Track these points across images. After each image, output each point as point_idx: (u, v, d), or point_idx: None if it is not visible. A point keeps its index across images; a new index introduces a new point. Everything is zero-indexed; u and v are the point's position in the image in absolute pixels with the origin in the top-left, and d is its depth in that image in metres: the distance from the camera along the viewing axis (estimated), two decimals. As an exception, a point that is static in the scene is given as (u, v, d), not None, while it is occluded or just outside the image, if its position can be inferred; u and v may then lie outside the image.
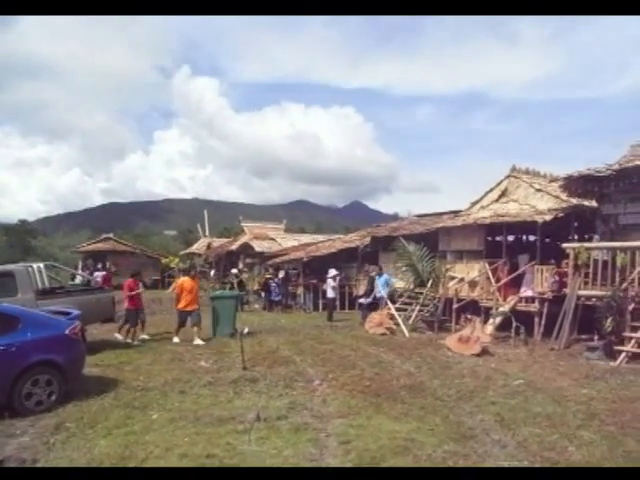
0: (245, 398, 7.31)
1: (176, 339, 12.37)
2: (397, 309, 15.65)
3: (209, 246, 38.37)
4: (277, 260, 25.07)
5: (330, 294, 18.10)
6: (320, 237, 32.24)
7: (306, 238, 32.91)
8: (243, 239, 31.73)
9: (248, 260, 30.05)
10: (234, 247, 31.79)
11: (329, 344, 12.03)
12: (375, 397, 7.31)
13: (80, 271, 25.08)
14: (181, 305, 12.65)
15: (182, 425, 6.04)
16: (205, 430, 5.84)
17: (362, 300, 16.77)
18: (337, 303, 19.40)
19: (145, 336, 12.82)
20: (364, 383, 8.12)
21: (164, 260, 35.76)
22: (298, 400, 7.16)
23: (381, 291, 15.68)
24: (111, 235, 38.54)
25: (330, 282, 18.10)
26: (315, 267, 21.91)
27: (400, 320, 14.40)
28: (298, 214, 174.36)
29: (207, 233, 43.37)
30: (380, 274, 16.00)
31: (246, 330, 11.34)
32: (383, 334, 13.51)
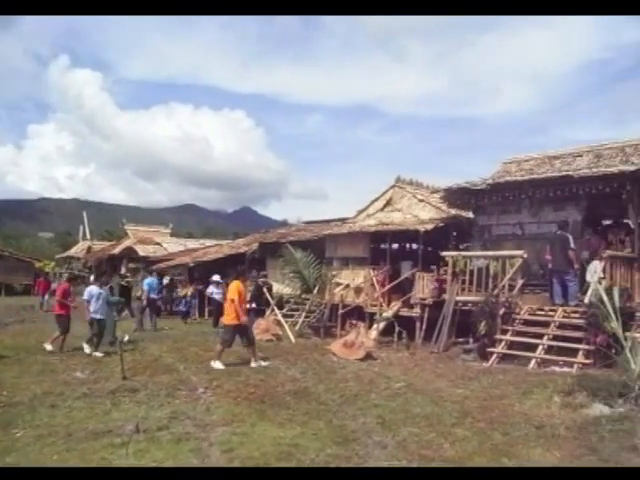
0: (124, 409, 6.93)
1: (219, 364, 9.82)
2: (284, 315, 15.70)
3: (89, 250, 36.42)
4: (162, 265, 24.27)
5: (216, 300, 17.83)
6: (208, 242, 31.69)
7: (193, 243, 32.19)
8: (126, 243, 30.47)
9: (131, 265, 28.86)
10: (116, 251, 30.44)
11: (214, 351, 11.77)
12: (260, 404, 7.21)
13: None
14: (235, 318, 10.11)
15: (51, 442, 5.57)
16: (77, 446, 5.43)
17: (248, 306, 16.63)
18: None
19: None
20: (249, 390, 7.99)
21: (38, 264, 33.41)
22: (180, 409, 6.90)
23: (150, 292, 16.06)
24: (-25, 236, 35.43)
25: (213, 288, 17.83)
26: (202, 273, 21.46)
27: (287, 326, 14.44)
28: (186, 218, 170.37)
29: (88, 236, 41.14)
30: (145, 276, 15.98)
31: (126, 338, 10.82)
32: (269, 340, 13.45)
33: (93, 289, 11.86)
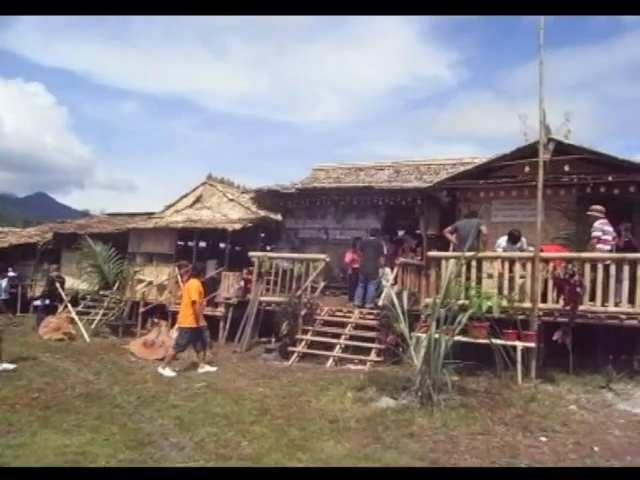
0: None
1: (169, 372, 9.18)
2: (79, 313, 14.58)
3: None
4: None
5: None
6: (-9, 230, 28.17)
7: (-28, 230, 28.38)
8: None
9: None
10: None
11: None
12: (44, 410, 6.58)
13: None
14: (194, 320, 9.53)
15: None
16: None
17: (38, 302, 15.15)
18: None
19: None
20: (31, 395, 7.26)
21: None
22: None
23: None
24: None
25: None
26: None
27: (81, 324, 13.40)
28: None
29: None
30: None
31: None
32: (60, 339, 12.36)
33: None
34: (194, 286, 9.80)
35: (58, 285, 14.81)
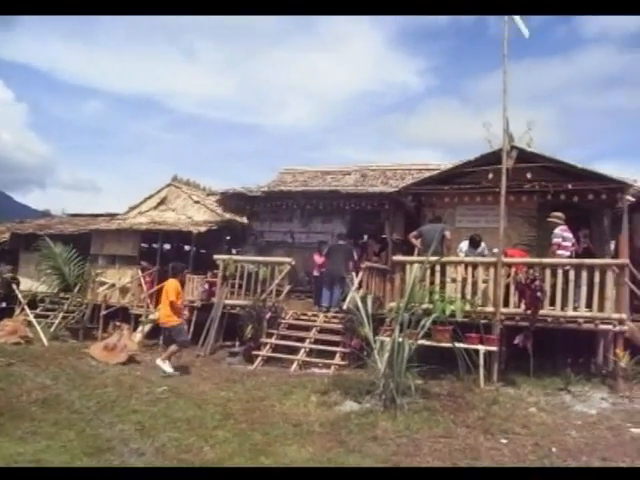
0: None
1: (171, 370, 9.33)
2: (38, 315, 14.21)
3: None
4: None
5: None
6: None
7: None
8: None
9: None
10: None
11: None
12: (-4, 417, 6.37)
13: None
14: (179, 317, 9.81)
15: None
16: None
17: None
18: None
19: None
20: (-17, 402, 7.03)
21: None
22: None
23: None
24: None
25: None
26: None
27: (39, 327, 13.05)
28: None
29: None
30: None
31: None
32: (17, 343, 11.97)
33: None
34: (172, 286, 9.78)
35: (15, 287, 14.43)
